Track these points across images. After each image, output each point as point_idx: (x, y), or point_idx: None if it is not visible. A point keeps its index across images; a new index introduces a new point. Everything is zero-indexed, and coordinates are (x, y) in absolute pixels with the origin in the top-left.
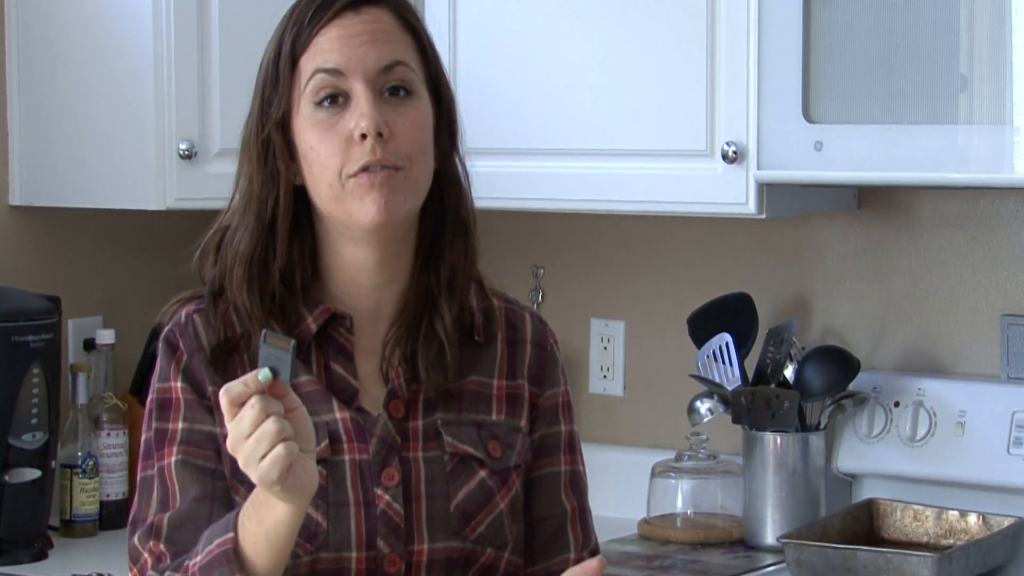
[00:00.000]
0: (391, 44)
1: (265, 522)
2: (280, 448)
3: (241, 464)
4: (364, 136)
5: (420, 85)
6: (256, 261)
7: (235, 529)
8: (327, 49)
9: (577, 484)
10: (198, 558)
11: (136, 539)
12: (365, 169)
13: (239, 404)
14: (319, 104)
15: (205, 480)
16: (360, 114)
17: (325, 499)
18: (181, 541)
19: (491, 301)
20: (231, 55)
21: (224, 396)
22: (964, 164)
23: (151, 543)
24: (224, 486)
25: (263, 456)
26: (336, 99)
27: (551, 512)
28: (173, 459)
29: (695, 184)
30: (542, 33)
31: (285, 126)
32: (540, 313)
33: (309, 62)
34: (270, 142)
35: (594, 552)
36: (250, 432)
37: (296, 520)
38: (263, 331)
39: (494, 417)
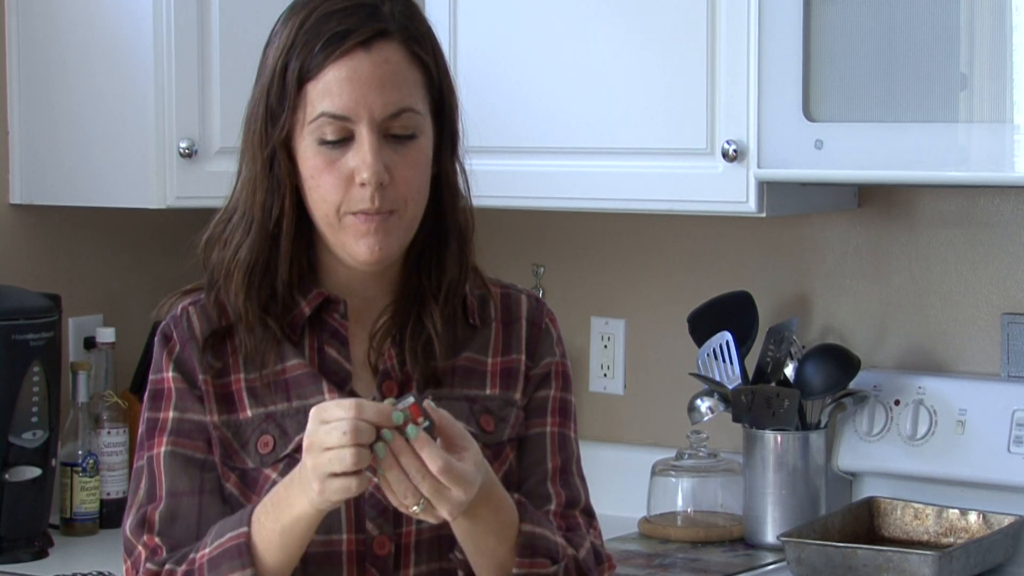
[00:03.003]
0: (399, 88)
1: (282, 519)
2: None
3: (312, 465)
4: (364, 184)
5: (424, 121)
6: (258, 269)
7: (249, 524)
8: (335, 91)
9: (565, 446)
10: (206, 550)
11: (128, 530)
12: (362, 211)
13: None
14: (322, 137)
15: (194, 472)
16: (363, 161)
17: None
18: (174, 535)
19: (487, 288)
20: (231, 54)
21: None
22: (964, 162)
23: (145, 536)
24: (214, 476)
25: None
26: (339, 133)
27: (534, 469)
28: (162, 449)
29: (695, 183)
30: (542, 33)
31: (288, 142)
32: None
33: (315, 96)
34: (275, 157)
35: (587, 512)
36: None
37: (315, 520)
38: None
39: (488, 392)
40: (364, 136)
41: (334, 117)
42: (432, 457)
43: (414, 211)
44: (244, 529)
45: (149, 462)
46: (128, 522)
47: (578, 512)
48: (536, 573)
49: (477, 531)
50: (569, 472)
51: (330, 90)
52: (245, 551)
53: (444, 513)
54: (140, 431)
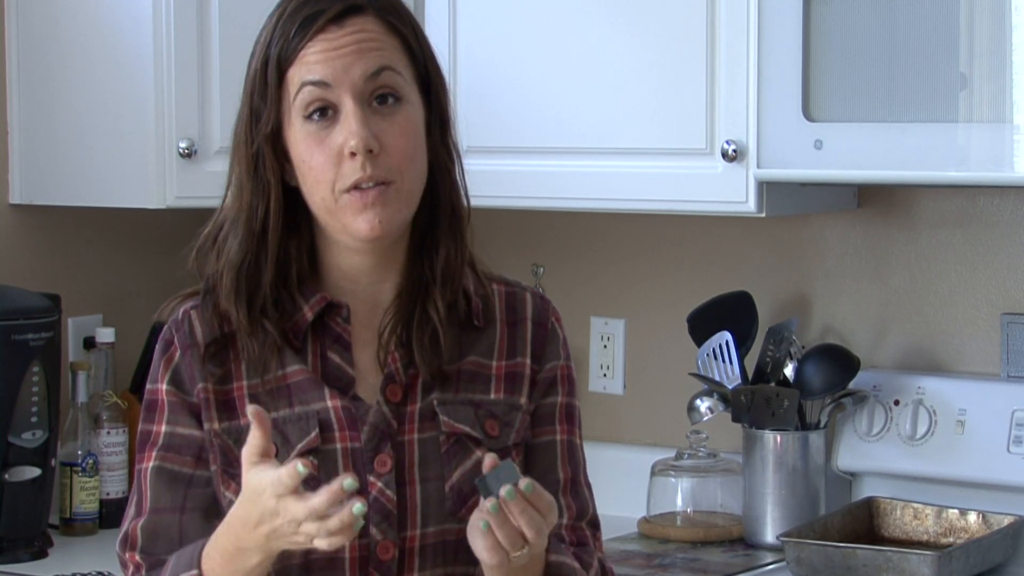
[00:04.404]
0: (376, 52)
1: (239, 570)
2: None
3: (312, 531)
4: (354, 153)
5: (409, 87)
6: (246, 270)
7: (199, 566)
8: (313, 62)
9: (573, 455)
10: None
11: (117, 545)
12: (357, 186)
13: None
14: (308, 117)
15: (178, 489)
16: (349, 131)
17: (316, 488)
18: (155, 551)
19: (489, 286)
20: (231, 54)
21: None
22: (964, 162)
23: (128, 553)
24: (199, 493)
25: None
26: (325, 112)
27: (544, 480)
28: (150, 464)
29: (695, 183)
30: (542, 32)
31: (276, 137)
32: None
33: (296, 75)
34: (260, 155)
35: (593, 524)
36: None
37: (268, 564)
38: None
39: (492, 396)
40: (348, 105)
41: (315, 84)
42: (544, 498)
43: (411, 183)
44: (195, 572)
45: (139, 476)
46: (119, 535)
47: (585, 524)
48: None
49: (511, 567)
50: (578, 483)
51: (307, 63)
52: None
53: (541, 546)
54: (137, 440)
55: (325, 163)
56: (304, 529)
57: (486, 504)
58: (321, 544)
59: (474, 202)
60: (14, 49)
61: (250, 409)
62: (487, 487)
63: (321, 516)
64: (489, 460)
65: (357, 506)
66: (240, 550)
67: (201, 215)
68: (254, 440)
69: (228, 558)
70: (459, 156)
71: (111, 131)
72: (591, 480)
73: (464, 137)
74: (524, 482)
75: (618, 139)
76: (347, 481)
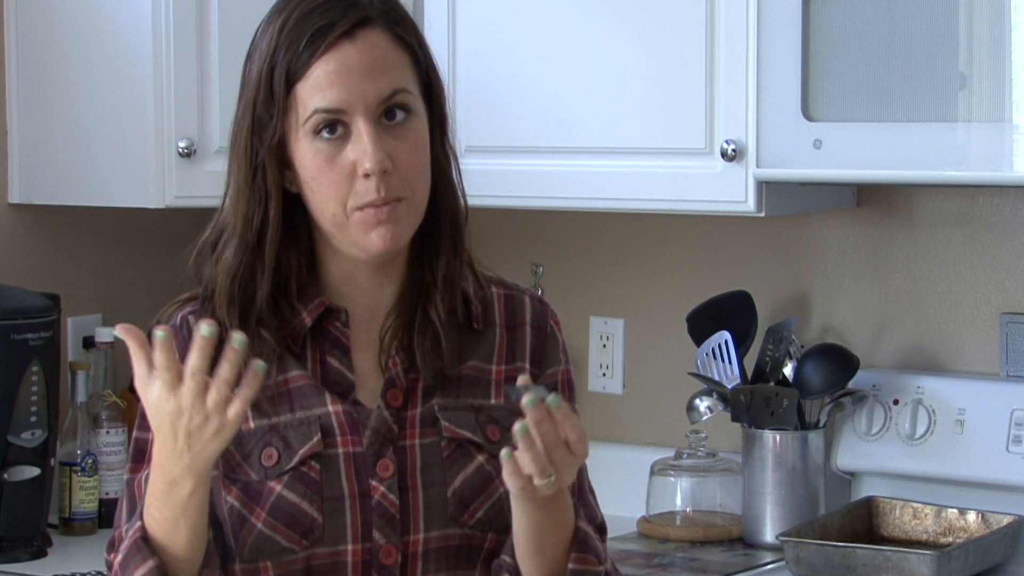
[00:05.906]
0: (388, 72)
1: (177, 505)
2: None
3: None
4: (368, 174)
5: (416, 100)
6: (240, 278)
7: (142, 518)
8: (325, 85)
9: None
10: (119, 555)
11: (105, 550)
12: (370, 204)
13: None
14: (319, 134)
15: None
16: (363, 152)
17: (319, 493)
18: None
19: (488, 289)
20: (230, 53)
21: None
22: (963, 162)
23: (111, 555)
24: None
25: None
26: (335, 128)
27: None
28: (145, 473)
29: (694, 182)
30: (542, 33)
31: (281, 147)
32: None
33: (306, 94)
34: (261, 165)
35: (601, 529)
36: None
37: (205, 490)
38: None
39: (492, 401)
40: (361, 127)
41: (328, 112)
42: (576, 426)
43: (421, 196)
44: (139, 523)
45: (131, 484)
46: (107, 541)
47: (591, 528)
48: (589, 570)
49: (546, 527)
50: (584, 490)
51: (320, 85)
52: (144, 545)
53: (567, 480)
54: (131, 448)
55: (337, 181)
56: (209, 403)
57: (515, 427)
58: (235, 409)
59: (474, 202)
60: (14, 49)
61: (118, 328)
62: (517, 393)
63: (205, 380)
64: (522, 379)
65: (236, 337)
66: (171, 483)
67: (201, 215)
68: (136, 364)
69: (163, 498)
70: (456, 158)
71: (111, 131)
72: (592, 482)
73: (464, 137)
74: (551, 396)
75: (618, 139)
76: (205, 329)
